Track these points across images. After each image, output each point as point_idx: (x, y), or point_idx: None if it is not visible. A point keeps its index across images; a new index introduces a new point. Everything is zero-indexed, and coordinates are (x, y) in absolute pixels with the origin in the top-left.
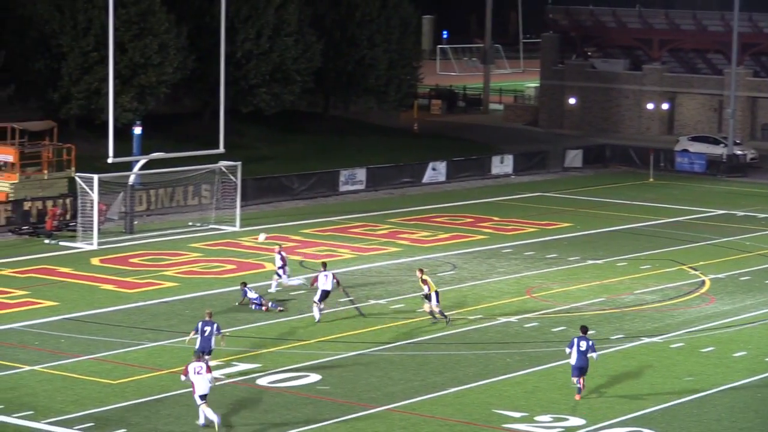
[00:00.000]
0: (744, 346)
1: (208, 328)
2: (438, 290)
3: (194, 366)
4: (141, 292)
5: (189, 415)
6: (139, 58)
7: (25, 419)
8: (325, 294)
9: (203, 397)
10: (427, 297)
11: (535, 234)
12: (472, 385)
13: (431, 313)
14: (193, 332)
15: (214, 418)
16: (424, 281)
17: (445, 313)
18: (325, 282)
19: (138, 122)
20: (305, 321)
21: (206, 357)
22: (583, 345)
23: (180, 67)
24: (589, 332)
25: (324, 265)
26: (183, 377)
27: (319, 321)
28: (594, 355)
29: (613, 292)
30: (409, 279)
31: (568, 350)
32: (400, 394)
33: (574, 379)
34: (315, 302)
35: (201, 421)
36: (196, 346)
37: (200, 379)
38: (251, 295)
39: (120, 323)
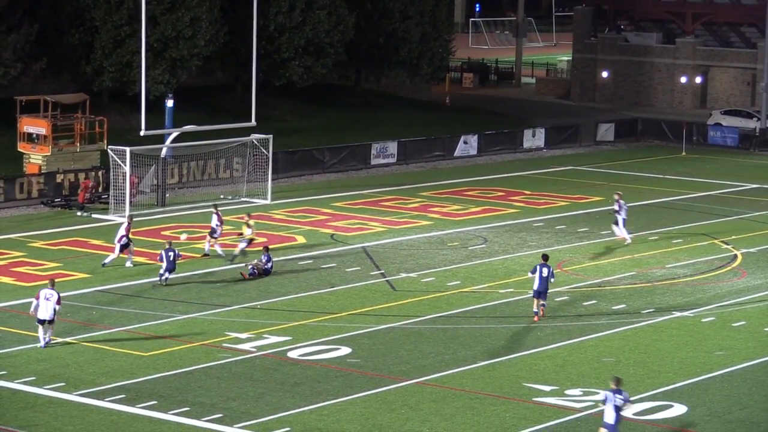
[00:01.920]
0: None
1: (171, 254)
2: (253, 239)
3: (45, 292)
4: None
5: (220, 387)
6: (171, 31)
7: (57, 391)
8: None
9: (41, 321)
10: (241, 235)
11: (566, 208)
12: (502, 359)
13: (237, 254)
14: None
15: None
16: (249, 225)
17: (234, 258)
18: (249, 232)
19: (170, 95)
20: (336, 294)
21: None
22: (545, 271)
23: (212, 40)
24: (620, 306)
25: (215, 206)
26: (35, 301)
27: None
28: (552, 279)
29: (644, 266)
30: (440, 252)
31: (530, 275)
32: (430, 367)
33: (536, 301)
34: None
35: (41, 343)
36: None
37: (46, 304)
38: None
39: (151, 296)
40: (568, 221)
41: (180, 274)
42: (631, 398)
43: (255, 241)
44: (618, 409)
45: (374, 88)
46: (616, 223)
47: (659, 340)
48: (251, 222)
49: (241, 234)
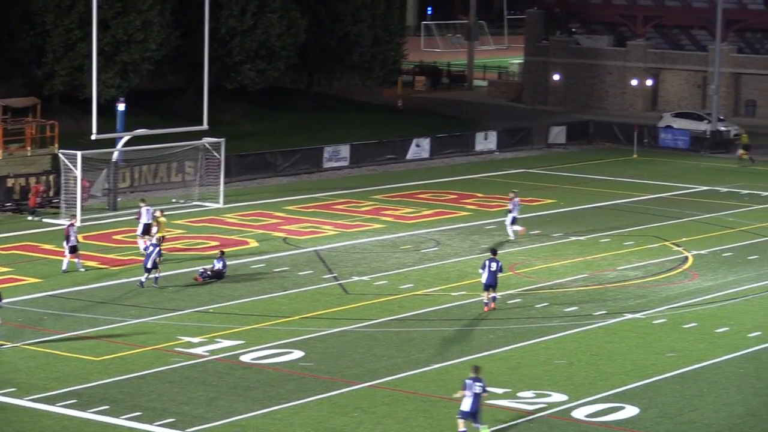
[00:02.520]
0: (726, 322)
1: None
2: (164, 236)
3: None
4: (124, 269)
5: (172, 391)
6: (123, 35)
7: (8, 396)
8: (147, 227)
9: None
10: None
11: (518, 210)
12: (455, 362)
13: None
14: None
15: None
16: (158, 223)
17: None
18: (146, 216)
19: (121, 99)
20: (289, 297)
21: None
22: (494, 266)
23: (163, 43)
24: (572, 308)
25: (143, 200)
26: None
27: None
28: (500, 273)
29: (596, 269)
30: (392, 255)
31: (481, 271)
32: (383, 370)
33: (485, 293)
34: (139, 236)
35: None
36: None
37: None
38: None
39: (103, 300)
40: (521, 224)
41: (132, 278)
42: (585, 400)
43: (166, 239)
44: (477, 396)
45: (326, 92)
46: (512, 222)
47: (611, 342)
48: (162, 219)
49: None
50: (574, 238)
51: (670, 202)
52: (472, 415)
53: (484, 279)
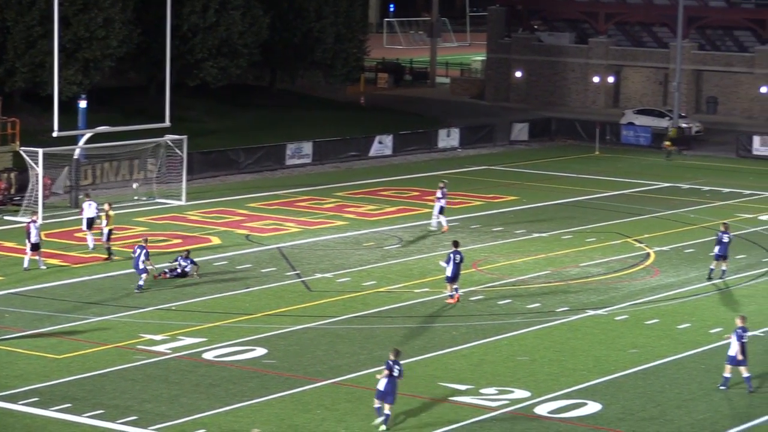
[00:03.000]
0: (688, 318)
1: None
2: (112, 228)
3: None
4: (86, 267)
5: (134, 389)
6: (84, 32)
7: None
8: (90, 221)
9: None
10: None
11: (481, 207)
12: (417, 359)
13: (106, 248)
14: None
15: None
16: (108, 217)
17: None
18: (89, 210)
19: (83, 96)
20: (251, 295)
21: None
22: (458, 258)
23: (125, 40)
24: (535, 304)
25: (87, 195)
26: None
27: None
28: (462, 263)
29: (558, 265)
30: (355, 253)
31: (444, 264)
32: (346, 367)
33: (449, 286)
34: (85, 231)
35: None
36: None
37: None
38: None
39: (65, 298)
40: (483, 221)
41: (93, 276)
42: (547, 396)
43: (115, 234)
44: (393, 379)
45: (289, 89)
46: (440, 212)
47: (573, 339)
48: (111, 213)
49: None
50: (536, 235)
51: (631, 198)
52: (384, 395)
53: (449, 272)
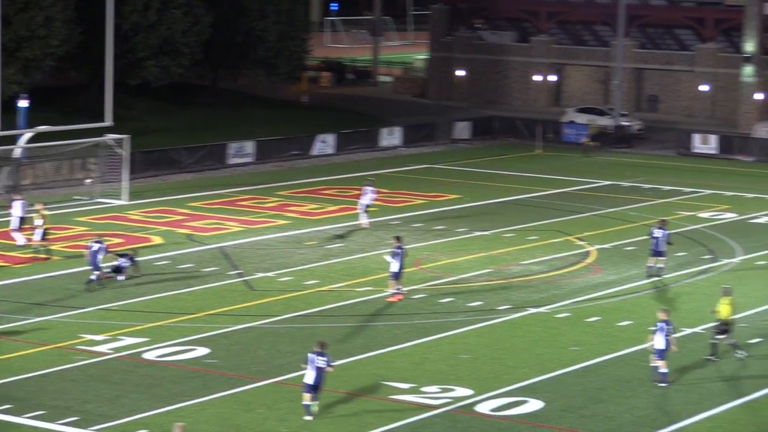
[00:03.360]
0: (628, 316)
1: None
2: (47, 227)
3: None
4: (27, 267)
5: (75, 390)
6: (25, 31)
7: None
8: (21, 220)
9: None
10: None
11: (423, 206)
12: (359, 357)
13: (36, 248)
14: None
15: None
16: (43, 216)
17: (47, 249)
18: (20, 209)
19: (24, 95)
20: (193, 294)
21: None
22: (398, 252)
23: (66, 39)
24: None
25: (17, 194)
26: None
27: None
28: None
29: (500, 263)
30: (297, 252)
31: (391, 260)
32: (288, 366)
33: (393, 283)
34: (14, 230)
35: None
36: None
37: None
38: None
39: (5, 298)
40: (425, 219)
41: (34, 276)
42: (489, 394)
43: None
44: (320, 370)
45: (231, 88)
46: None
47: (515, 337)
48: (44, 212)
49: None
50: (478, 233)
51: (573, 196)
52: (314, 388)
53: (396, 268)
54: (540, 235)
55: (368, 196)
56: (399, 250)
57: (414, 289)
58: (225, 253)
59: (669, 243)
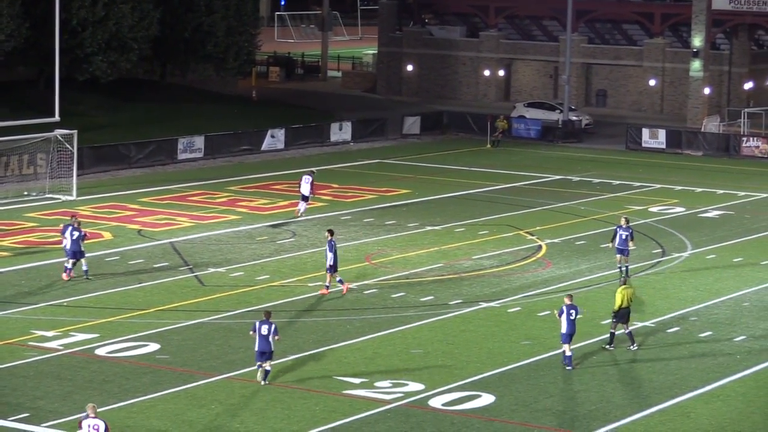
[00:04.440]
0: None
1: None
2: None
3: None
4: None
5: (26, 386)
6: None
7: None
8: None
9: None
10: None
11: (374, 201)
12: (311, 352)
13: None
14: None
15: None
16: None
17: None
18: None
19: None
20: (144, 290)
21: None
22: (331, 244)
23: (13, 34)
24: (428, 297)
25: None
26: None
27: None
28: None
29: (451, 258)
30: (248, 247)
31: (331, 254)
32: (240, 362)
33: (330, 276)
34: None
35: None
36: None
37: None
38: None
39: None
40: (376, 214)
41: None
42: (441, 389)
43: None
44: (264, 337)
45: (180, 83)
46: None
47: (467, 331)
48: None
49: None
50: (429, 228)
51: (523, 191)
52: (262, 355)
53: (332, 260)
54: (491, 229)
55: (305, 187)
56: (331, 243)
57: (365, 284)
58: (176, 248)
59: (631, 239)
